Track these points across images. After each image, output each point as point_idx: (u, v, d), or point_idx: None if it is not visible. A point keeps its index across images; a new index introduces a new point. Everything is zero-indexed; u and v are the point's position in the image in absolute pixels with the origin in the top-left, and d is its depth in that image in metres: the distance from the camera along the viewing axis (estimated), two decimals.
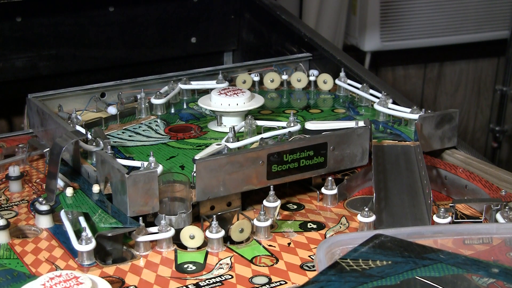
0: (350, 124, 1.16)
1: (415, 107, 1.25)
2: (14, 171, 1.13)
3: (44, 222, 1.03)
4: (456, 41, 2.45)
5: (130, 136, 1.22)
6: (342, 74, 1.41)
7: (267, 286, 0.91)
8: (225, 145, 1.11)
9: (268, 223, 1.01)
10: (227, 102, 1.22)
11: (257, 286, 0.92)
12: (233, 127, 1.14)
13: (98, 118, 1.27)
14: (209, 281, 0.92)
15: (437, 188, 1.16)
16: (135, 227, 0.97)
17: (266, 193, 1.07)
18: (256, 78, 1.44)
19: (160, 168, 1.02)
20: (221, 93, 1.24)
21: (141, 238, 0.98)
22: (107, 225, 0.97)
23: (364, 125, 1.14)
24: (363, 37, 2.35)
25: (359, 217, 1.02)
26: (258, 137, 1.13)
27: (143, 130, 1.24)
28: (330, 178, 1.10)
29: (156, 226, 1.00)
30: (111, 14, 1.56)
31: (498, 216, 1.02)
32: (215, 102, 1.23)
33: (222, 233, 0.99)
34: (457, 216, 1.05)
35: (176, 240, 0.99)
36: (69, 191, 1.05)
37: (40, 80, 1.53)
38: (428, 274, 0.82)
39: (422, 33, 2.40)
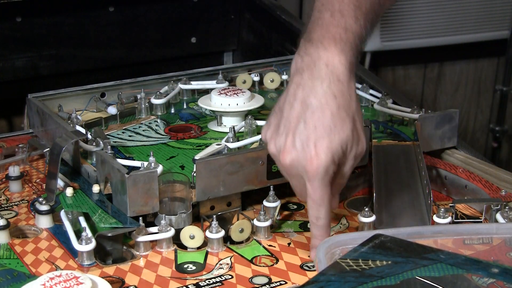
0: None
1: (415, 107, 1.25)
2: (14, 171, 1.13)
3: (44, 222, 1.03)
4: (456, 41, 2.44)
5: (130, 136, 1.22)
6: None
7: (267, 286, 0.91)
8: (225, 145, 1.11)
9: (268, 223, 1.01)
10: (227, 102, 1.22)
11: (257, 286, 0.91)
12: (233, 127, 1.14)
13: (98, 118, 1.27)
14: (209, 281, 0.92)
15: (437, 188, 1.16)
16: (135, 227, 0.97)
17: (266, 193, 1.07)
18: (256, 78, 1.44)
19: (160, 168, 1.02)
20: (221, 93, 1.24)
21: (141, 238, 0.97)
22: (107, 225, 0.97)
23: (364, 125, 1.14)
24: None
25: (359, 217, 1.02)
26: (258, 137, 1.13)
27: (143, 130, 1.24)
28: None
29: (156, 226, 0.99)
30: (111, 14, 1.56)
31: (498, 216, 1.02)
32: (215, 102, 1.23)
33: (222, 233, 0.99)
34: (457, 216, 1.05)
35: (176, 240, 0.99)
36: (69, 191, 1.05)
37: (40, 80, 1.53)
38: (428, 274, 0.82)
39: (422, 33, 2.40)
